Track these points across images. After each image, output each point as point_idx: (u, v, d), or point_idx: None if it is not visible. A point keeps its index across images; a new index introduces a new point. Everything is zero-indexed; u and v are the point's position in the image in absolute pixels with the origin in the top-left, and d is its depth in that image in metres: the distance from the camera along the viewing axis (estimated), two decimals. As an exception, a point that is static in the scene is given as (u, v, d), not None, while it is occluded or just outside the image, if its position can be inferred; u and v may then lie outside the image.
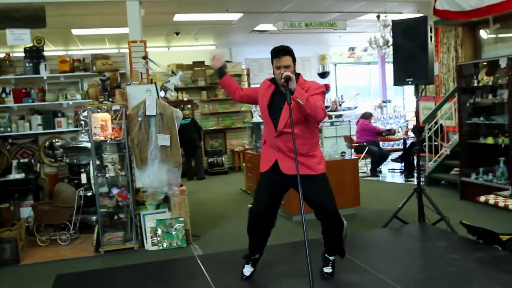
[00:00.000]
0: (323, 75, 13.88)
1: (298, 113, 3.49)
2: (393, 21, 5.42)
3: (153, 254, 5.25)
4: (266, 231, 3.81)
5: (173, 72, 5.81)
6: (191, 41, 11.89)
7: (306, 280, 3.23)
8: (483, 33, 8.54)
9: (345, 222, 3.75)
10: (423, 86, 5.98)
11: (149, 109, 5.36)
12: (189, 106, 10.75)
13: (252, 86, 12.12)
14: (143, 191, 5.52)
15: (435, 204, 5.21)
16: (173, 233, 5.45)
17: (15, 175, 6.31)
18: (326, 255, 3.91)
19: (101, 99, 5.51)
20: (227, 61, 12.20)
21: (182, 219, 5.53)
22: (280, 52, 3.55)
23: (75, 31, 9.54)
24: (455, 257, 4.16)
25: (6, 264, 5.14)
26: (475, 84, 6.91)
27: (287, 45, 3.61)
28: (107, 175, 5.42)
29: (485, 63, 6.98)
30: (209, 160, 11.21)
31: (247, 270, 3.94)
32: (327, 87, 3.87)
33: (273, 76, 3.69)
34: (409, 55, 5.17)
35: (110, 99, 5.48)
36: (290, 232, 5.67)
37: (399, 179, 9.29)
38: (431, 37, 5.13)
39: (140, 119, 5.35)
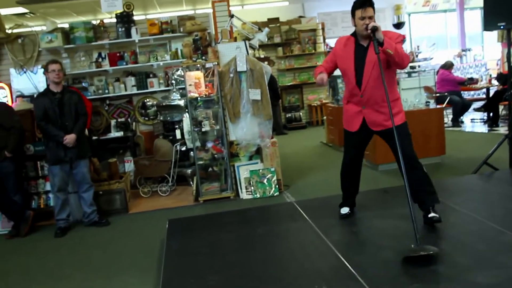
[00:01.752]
0: (398, 26, 13.51)
1: (382, 63, 3.62)
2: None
3: (249, 202, 5.59)
4: (356, 174, 4.16)
5: (259, 29, 6.00)
6: (265, -2, 11.95)
7: (403, 221, 3.42)
8: None
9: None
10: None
11: (240, 65, 5.61)
12: (265, 63, 10.90)
13: (327, 40, 12.10)
14: (237, 143, 5.85)
15: (528, 150, 5.18)
16: (266, 182, 5.77)
17: (114, 133, 6.86)
18: (423, 201, 3.90)
19: (194, 58, 5.81)
20: (300, 16, 12.21)
21: (274, 169, 5.82)
22: (366, 3, 3.67)
23: (156, -5, 9.90)
24: (552, 200, 4.17)
25: (117, 212, 5.70)
26: None
27: None
28: (203, 129, 5.77)
29: None
30: (287, 116, 11.45)
31: (344, 210, 4.20)
32: (403, 38, 3.96)
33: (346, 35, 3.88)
34: (502, -2, 5.03)
35: (203, 58, 5.76)
36: (376, 180, 5.84)
37: (481, 128, 9.10)
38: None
39: (231, 75, 5.63)
